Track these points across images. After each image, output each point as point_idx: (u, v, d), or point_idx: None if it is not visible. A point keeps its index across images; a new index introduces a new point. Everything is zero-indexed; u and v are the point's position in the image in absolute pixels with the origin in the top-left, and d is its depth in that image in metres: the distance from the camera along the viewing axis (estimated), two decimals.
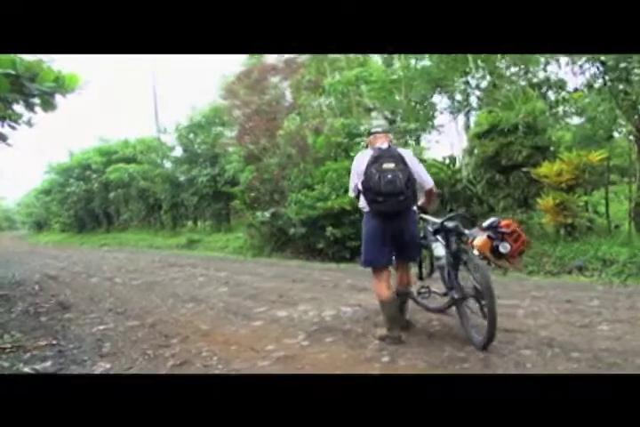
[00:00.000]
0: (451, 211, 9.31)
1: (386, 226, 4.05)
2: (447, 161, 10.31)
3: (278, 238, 12.33)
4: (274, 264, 10.05)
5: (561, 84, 10.66)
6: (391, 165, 3.90)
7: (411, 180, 3.94)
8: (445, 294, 4.24)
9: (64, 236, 28.85)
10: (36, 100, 5.77)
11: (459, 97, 11.74)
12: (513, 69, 10.64)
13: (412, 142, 11.60)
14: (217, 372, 3.60)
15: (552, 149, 8.69)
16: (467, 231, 3.99)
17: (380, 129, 4.41)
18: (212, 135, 18.07)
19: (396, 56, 12.16)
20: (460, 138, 11.60)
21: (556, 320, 4.42)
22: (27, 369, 4.02)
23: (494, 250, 3.69)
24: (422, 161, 9.61)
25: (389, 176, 3.85)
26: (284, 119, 13.52)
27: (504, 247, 3.68)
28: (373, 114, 12.77)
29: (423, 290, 4.49)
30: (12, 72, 5.13)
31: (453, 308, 4.25)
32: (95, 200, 25.32)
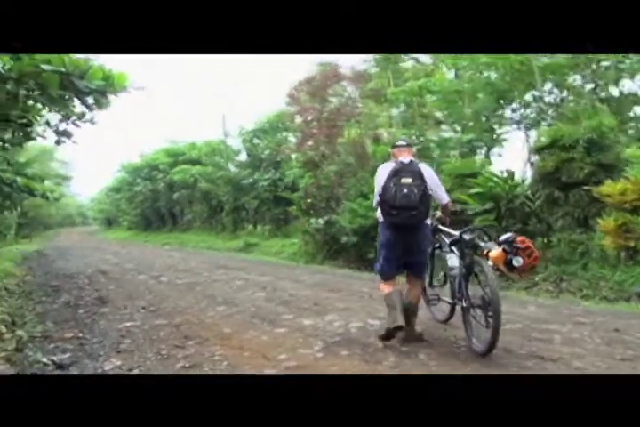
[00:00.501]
0: (506, 228, 8.94)
1: (397, 238, 4.29)
2: (505, 175, 9.88)
3: (331, 246, 12.21)
4: (320, 272, 9.93)
5: (635, 100, 10.07)
6: (409, 180, 4.10)
7: (425, 195, 4.14)
8: (454, 303, 4.51)
9: (130, 233, 29.84)
10: (90, 99, 5.95)
11: (523, 110, 11.31)
12: (580, 81, 10.15)
13: (480, 156, 11.25)
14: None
15: (619, 167, 8.18)
16: (482, 244, 4.14)
17: (403, 143, 4.61)
18: (275, 140, 18.27)
19: (462, 67, 11.86)
20: (522, 152, 11.16)
21: (594, 350, 4.06)
22: (44, 360, 4.08)
23: (508, 263, 3.84)
24: (479, 174, 9.35)
25: (405, 191, 4.06)
26: (345, 127, 13.46)
27: (517, 261, 3.84)
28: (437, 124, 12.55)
29: (433, 297, 4.82)
30: (63, 69, 5.29)
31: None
32: (161, 200, 26.07)
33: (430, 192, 4.23)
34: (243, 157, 20.62)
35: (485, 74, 10.86)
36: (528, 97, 11.22)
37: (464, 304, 4.22)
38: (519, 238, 3.91)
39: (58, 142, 9.03)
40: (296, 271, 10.03)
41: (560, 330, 4.73)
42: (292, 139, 17.43)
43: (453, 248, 4.50)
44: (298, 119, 14.67)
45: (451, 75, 13.02)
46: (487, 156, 11.86)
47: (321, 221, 12.16)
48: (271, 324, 5.15)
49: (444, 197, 4.56)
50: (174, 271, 10.12)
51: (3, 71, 5.08)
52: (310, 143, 13.66)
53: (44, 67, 5.14)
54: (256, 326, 5.04)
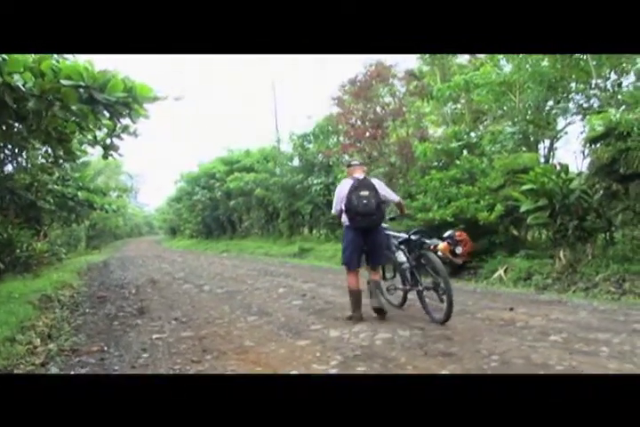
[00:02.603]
0: (562, 225, 8.43)
1: (360, 237, 5.58)
2: (558, 169, 9.31)
3: None
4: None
5: None
6: (366, 193, 5.39)
7: (380, 204, 5.45)
8: (408, 289, 5.73)
9: (192, 241, 30.50)
10: (124, 110, 5.98)
11: (577, 98, 10.66)
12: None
13: (524, 149, 10.69)
14: None
15: None
16: (428, 241, 5.47)
17: (357, 162, 6.07)
18: (325, 144, 18.15)
19: (509, 58, 11.33)
20: (576, 143, 10.50)
21: None
22: (62, 373, 4.06)
23: (452, 251, 5.25)
24: (531, 169, 8.84)
25: (364, 201, 5.37)
26: (391, 127, 13.18)
27: (458, 249, 5.27)
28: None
29: (391, 287, 5.94)
30: (82, 83, 5.34)
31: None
32: (219, 208, 26.47)
33: (383, 198, 5.54)
34: (296, 162, 20.63)
35: (532, 61, 10.27)
36: (582, 84, 10.56)
37: (420, 288, 5.47)
38: (457, 233, 5.36)
39: (105, 157, 9.24)
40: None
41: (610, 341, 4.27)
42: (342, 142, 17.30)
43: (402, 247, 5.79)
44: (343, 121, 14.48)
45: (503, 66, 12.49)
46: (537, 149, 11.26)
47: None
48: (296, 335, 4.96)
49: (395, 198, 5.87)
50: (219, 280, 10.12)
51: (25, 89, 5.16)
52: (355, 145, 13.43)
53: (64, 82, 5.20)
54: (279, 338, 4.87)
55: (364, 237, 5.56)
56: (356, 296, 5.65)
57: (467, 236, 5.39)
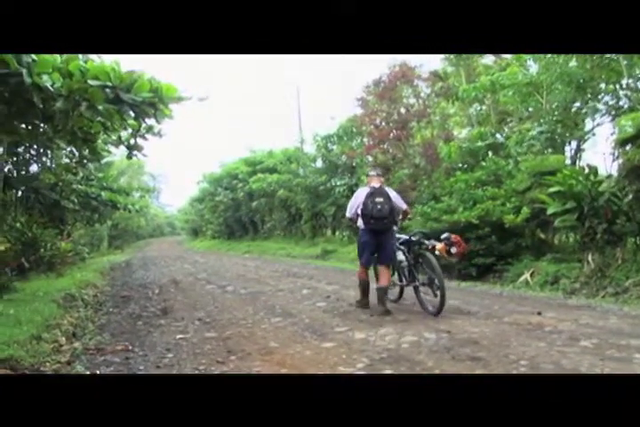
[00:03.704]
0: (590, 228, 8.27)
1: (373, 239, 6.21)
2: (587, 171, 9.13)
3: None
4: None
5: None
6: (380, 200, 6.07)
7: (392, 210, 6.09)
8: (405, 285, 6.43)
9: (214, 242, 30.62)
10: (150, 110, 5.98)
11: (606, 99, 10.44)
12: None
13: (551, 150, 10.51)
14: None
15: None
16: (426, 242, 6.19)
17: (374, 173, 6.65)
18: (349, 145, 18.09)
19: (536, 58, 11.15)
20: (605, 145, 10.30)
21: None
22: (87, 373, 4.05)
23: (448, 251, 6.00)
24: (559, 171, 8.66)
25: (379, 206, 6.03)
26: (415, 128, 13.08)
27: (453, 249, 5.99)
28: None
29: (390, 283, 6.38)
30: (109, 84, 5.34)
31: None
32: (242, 209, 26.54)
33: (395, 205, 6.17)
34: (319, 163, 20.60)
35: (561, 61, 10.08)
36: (612, 85, 10.35)
37: (417, 284, 6.13)
38: (452, 236, 6.09)
39: (129, 157, 9.28)
40: None
41: None
42: (366, 143, 17.21)
43: (401, 247, 6.42)
44: (367, 122, 14.40)
45: (529, 67, 12.29)
46: (564, 151, 11.06)
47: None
48: (321, 337, 4.90)
49: (403, 206, 6.49)
50: (242, 281, 10.11)
51: (53, 89, 5.18)
52: (379, 146, 13.33)
53: (91, 82, 5.21)
54: (304, 340, 4.81)
55: (377, 238, 6.17)
56: (363, 285, 6.42)
57: (461, 238, 6.18)
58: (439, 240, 6.11)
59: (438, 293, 5.66)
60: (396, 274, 6.59)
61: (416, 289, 6.18)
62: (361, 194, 6.31)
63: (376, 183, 6.38)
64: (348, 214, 6.56)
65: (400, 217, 6.72)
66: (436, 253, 5.96)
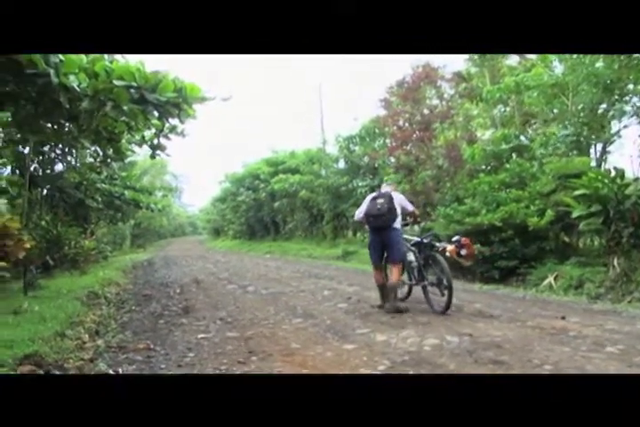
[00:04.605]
0: (616, 232, 8.14)
1: (377, 237, 6.60)
2: (613, 174, 8.97)
3: None
4: None
5: None
6: (381, 200, 6.46)
7: (390, 208, 6.37)
8: (414, 284, 6.74)
9: (236, 242, 30.73)
10: (175, 110, 6.03)
11: (635, 101, 10.24)
12: None
13: (575, 153, 10.35)
14: None
15: None
16: (437, 244, 6.57)
17: (387, 182, 7.85)
18: (371, 146, 18.04)
19: (561, 58, 11.00)
20: (632, 147, 10.09)
21: None
22: (110, 372, 4.08)
23: (458, 253, 6.24)
24: (584, 174, 8.52)
25: (378, 206, 6.41)
26: (438, 129, 12.99)
27: (463, 251, 6.25)
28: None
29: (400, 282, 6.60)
30: (134, 84, 5.39)
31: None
32: (263, 209, 26.60)
33: (397, 206, 6.49)
34: (341, 164, 20.58)
35: (587, 62, 9.91)
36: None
37: (425, 283, 6.38)
38: (462, 239, 6.35)
39: (153, 156, 9.35)
40: None
41: None
42: (389, 144, 17.14)
43: (412, 248, 6.74)
44: (390, 123, 14.34)
45: (554, 67, 12.12)
46: (589, 153, 10.88)
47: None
48: (342, 339, 4.88)
49: (409, 208, 6.95)
50: (264, 281, 10.12)
51: (79, 89, 5.24)
52: (403, 148, 13.26)
53: (117, 82, 5.26)
54: (325, 341, 4.80)
55: (380, 237, 6.54)
56: (381, 289, 6.63)
57: (470, 241, 6.43)
58: (450, 243, 6.44)
59: (446, 292, 5.94)
60: (405, 273, 6.84)
61: (424, 288, 6.46)
62: (367, 198, 6.82)
63: (384, 189, 7.04)
64: (355, 217, 7.08)
65: (410, 220, 7.21)
66: (447, 254, 6.26)
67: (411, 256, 6.73)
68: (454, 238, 6.45)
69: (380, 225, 6.46)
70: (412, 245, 6.83)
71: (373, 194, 6.85)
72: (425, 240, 6.70)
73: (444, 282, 5.99)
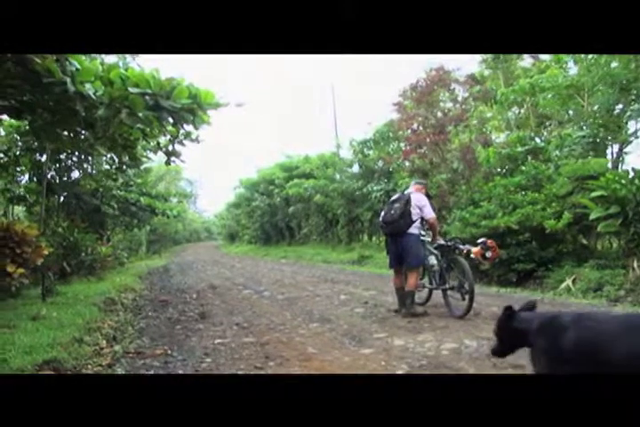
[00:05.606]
0: (635, 233, 8.03)
1: (393, 243, 6.42)
2: (632, 175, 8.86)
3: None
4: None
5: None
6: (396, 205, 6.27)
7: (404, 213, 6.17)
8: (435, 288, 6.62)
9: (251, 247, 30.80)
10: (189, 116, 6.05)
11: None
12: None
13: (591, 154, 10.24)
14: None
15: None
16: (461, 246, 6.39)
17: (414, 182, 7.00)
18: (385, 150, 17.99)
19: (576, 59, 10.91)
20: None
21: None
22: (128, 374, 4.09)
23: (483, 255, 6.07)
24: (602, 175, 8.43)
25: (392, 211, 6.25)
26: (452, 132, 12.92)
27: (488, 254, 6.08)
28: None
29: (419, 285, 6.49)
30: (149, 91, 5.42)
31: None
32: (278, 214, 26.63)
33: (414, 211, 6.23)
34: (355, 168, 20.54)
35: (602, 62, 9.82)
36: None
37: (446, 287, 6.30)
38: (488, 241, 6.16)
39: (168, 163, 9.41)
40: None
41: None
42: (403, 148, 17.08)
43: (435, 252, 6.58)
44: (404, 127, 14.30)
45: (569, 69, 12.03)
46: (605, 154, 10.76)
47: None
48: (359, 343, 4.86)
49: (427, 215, 6.37)
50: (279, 286, 10.12)
51: (95, 97, 5.28)
52: (417, 151, 13.22)
53: (132, 90, 5.29)
54: (342, 346, 4.78)
55: (395, 242, 6.36)
56: (399, 293, 6.45)
57: (495, 244, 6.25)
58: (475, 245, 6.29)
59: (467, 296, 5.88)
60: (426, 277, 6.78)
61: (444, 292, 6.36)
62: (388, 201, 6.69)
63: (408, 190, 6.71)
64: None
65: (426, 225, 6.69)
66: (472, 256, 6.15)
67: (432, 260, 6.57)
68: (480, 240, 6.32)
69: (394, 231, 6.30)
70: (435, 248, 6.65)
71: (394, 196, 6.67)
72: (449, 243, 6.56)
73: (466, 286, 5.93)
